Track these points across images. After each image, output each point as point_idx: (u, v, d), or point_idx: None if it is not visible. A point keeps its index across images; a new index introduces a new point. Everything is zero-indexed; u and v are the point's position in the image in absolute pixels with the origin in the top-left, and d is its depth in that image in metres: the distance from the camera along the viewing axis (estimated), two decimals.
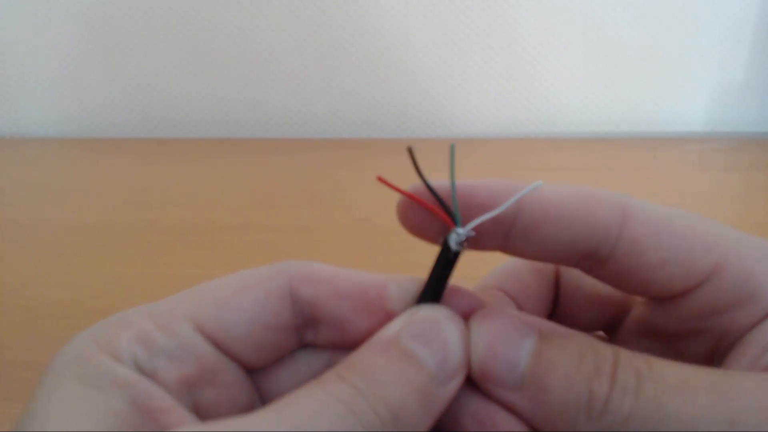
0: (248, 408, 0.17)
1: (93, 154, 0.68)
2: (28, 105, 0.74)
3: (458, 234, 0.15)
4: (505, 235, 0.17)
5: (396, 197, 0.17)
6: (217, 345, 0.16)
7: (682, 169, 0.59)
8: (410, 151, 0.16)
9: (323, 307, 0.17)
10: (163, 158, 0.66)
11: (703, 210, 0.50)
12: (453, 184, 0.16)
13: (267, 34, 0.70)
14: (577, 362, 0.15)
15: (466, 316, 0.16)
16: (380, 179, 0.16)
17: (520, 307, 0.20)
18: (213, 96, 0.73)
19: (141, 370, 0.15)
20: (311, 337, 0.18)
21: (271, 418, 0.13)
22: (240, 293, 0.16)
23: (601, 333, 0.22)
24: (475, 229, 0.16)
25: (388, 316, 0.16)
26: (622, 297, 0.21)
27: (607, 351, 0.15)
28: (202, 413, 0.15)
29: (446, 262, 0.16)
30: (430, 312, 0.16)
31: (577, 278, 0.21)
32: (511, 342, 0.16)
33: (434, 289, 0.16)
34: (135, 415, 0.14)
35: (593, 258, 0.17)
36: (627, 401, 0.14)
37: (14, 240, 0.46)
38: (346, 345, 0.17)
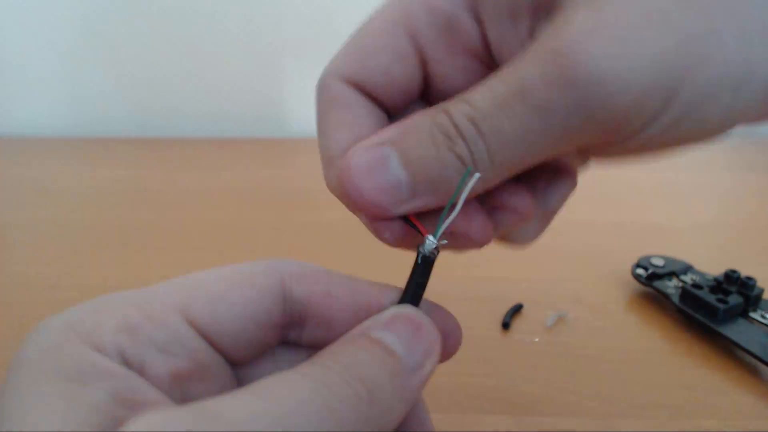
0: None
1: (92, 154, 0.67)
2: (27, 105, 0.74)
3: (430, 241, 0.17)
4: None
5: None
6: (207, 338, 0.16)
7: (691, 169, 0.58)
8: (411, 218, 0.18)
9: (314, 308, 0.17)
10: (162, 158, 0.65)
11: (713, 209, 0.49)
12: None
13: (267, 33, 0.70)
14: (434, 143, 0.16)
15: (438, 325, 0.17)
16: (410, 218, 0.17)
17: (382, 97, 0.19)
18: (213, 94, 0.73)
19: (127, 362, 0.14)
20: (294, 336, 0.18)
21: (255, 401, 0.12)
22: (234, 288, 0.16)
23: None
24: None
25: None
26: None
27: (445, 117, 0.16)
28: None
29: (421, 267, 0.18)
30: (397, 308, 0.17)
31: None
32: (383, 169, 0.16)
33: (412, 294, 0.18)
34: (120, 411, 0.12)
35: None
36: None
37: (13, 240, 0.46)
38: (327, 345, 0.17)
